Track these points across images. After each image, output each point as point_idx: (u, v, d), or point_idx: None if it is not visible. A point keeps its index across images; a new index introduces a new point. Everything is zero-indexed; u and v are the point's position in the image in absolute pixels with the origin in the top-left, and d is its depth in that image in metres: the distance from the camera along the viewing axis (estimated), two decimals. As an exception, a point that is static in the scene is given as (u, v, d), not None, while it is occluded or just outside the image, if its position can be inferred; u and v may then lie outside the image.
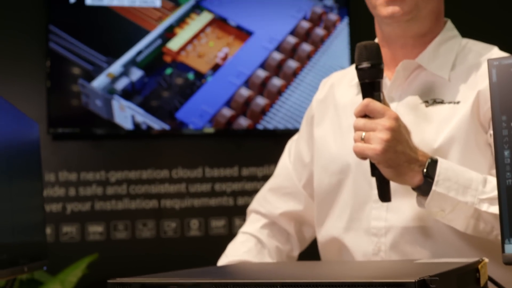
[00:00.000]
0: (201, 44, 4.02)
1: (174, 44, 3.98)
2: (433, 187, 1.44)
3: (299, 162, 1.89)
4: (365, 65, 1.48)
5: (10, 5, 3.82)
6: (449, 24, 1.74)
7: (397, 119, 1.44)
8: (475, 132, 1.58)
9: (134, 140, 3.96)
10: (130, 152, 3.95)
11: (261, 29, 4.09)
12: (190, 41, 4.01)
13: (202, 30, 4.03)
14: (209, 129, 3.98)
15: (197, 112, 3.96)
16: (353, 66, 1.81)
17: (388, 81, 1.69)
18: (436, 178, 1.44)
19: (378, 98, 1.47)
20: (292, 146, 1.94)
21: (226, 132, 4.02)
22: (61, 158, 3.85)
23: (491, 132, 1.55)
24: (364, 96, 1.48)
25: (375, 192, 1.54)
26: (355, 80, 1.67)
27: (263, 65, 4.06)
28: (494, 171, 1.55)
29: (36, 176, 1.70)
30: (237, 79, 4.02)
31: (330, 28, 4.18)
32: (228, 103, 4.00)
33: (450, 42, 1.71)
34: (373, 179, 1.50)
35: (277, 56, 4.09)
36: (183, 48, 3.99)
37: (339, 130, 1.75)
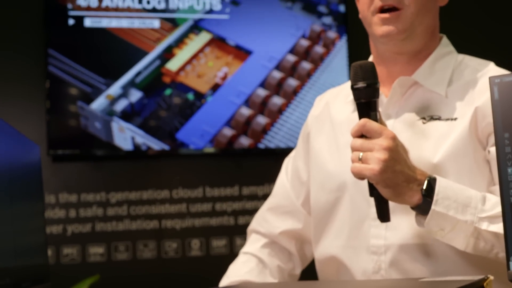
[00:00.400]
0: (200, 64, 4.03)
1: (173, 65, 3.99)
2: (432, 206, 1.44)
3: (296, 180, 1.89)
4: (360, 84, 1.47)
5: (10, 26, 3.83)
6: (445, 40, 1.74)
7: (394, 138, 1.44)
8: (473, 148, 1.57)
9: (134, 161, 3.96)
10: (130, 173, 3.95)
11: (260, 48, 4.10)
12: (189, 61, 4.01)
13: (201, 50, 4.04)
14: (209, 149, 3.98)
15: (198, 133, 3.96)
16: (348, 82, 1.82)
17: (384, 98, 1.68)
18: (435, 197, 1.44)
19: (375, 118, 1.47)
20: (289, 164, 1.94)
21: (226, 152, 4.02)
22: (61, 179, 3.84)
23: (489, 148, 1.55)
24: (360, 116, 1.48)
25: (373, 210, 1.54)
26: (351, 97, 1.67)
27: (263, 84, 4.07)
28: (492, 188, 1.55)
29: (38, 198, 1.69)
30: (237, 99, 4.02)
31: (329, 46, 4.19)
32: (228, 123, 4.00)
33: (446, 58, 1.71)
34: (372, 197, 1.49)
35: (277, 74, 4.10)
36: (182, 68, 4.00)
37: (335, 147, 1.75)
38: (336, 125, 1.78)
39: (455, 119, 1.60)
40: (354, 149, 1.46)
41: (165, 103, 3.94)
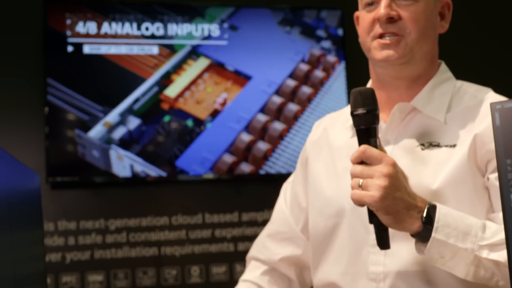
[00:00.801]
0: (199, 90, 4.03)
1: (171, 91, 3.99)
2: (433, 234, 1.43)
3: (295, 206, 1.88)
4: (360, 111, 1.47)
5: (9, 53, 3.83)
6: (443, 66, 1.75)
7: (394, 165, 1.43)
8: (472, 175, 1.57)
9: (133, 188, 3.95)
10: (129, 200, 3.94)
11: (259, 73, 4.10)
12: (187, 88, 4.02)
13: (200, 76, 4.05)
14: (209, 175, 3.97)
15: (198, 160, 3.95)
16: (347, 108, 1.82)
17: (383, 123, 1.69)
18: (435, 225, 1.43)
19: (375, 144, 1.47)
20: (287, 189, 1.94)
21: (225, 178, 4.02)
22: (60, 207, 3.83)
23: (489, 175, 1.55)
24: (360, 142, 1.48)
25: (372, 236, 1.53)
26: (350, 122, 1.68)
27: (263, 109, 4.08)
28: (492, 215, 1.55)
29: (37, 226, 1.69)
30: (237, 125, 4.02)
31: (329, 70, 4.20)
32: (229, 149, 4.00)
33: (444, 84, 1.71)
34: (370, 224, 1.48)
35: (277, 100, 4.10)
36: (180, 94, 4.00)
37: (334, 173, 1.74)
38: (335, 150, 1.78)
39: (454, 145, 1.60)
40: (354, 175, 1.45)
41: (164, 130, 3.94)
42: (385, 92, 1.71)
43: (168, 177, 3.93)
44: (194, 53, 4.06)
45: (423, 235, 1.44)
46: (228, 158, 3.99)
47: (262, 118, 4.07)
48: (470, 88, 1.71)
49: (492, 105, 1.09)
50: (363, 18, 1.69)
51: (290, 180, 1.95)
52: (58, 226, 3.82)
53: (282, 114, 4.10)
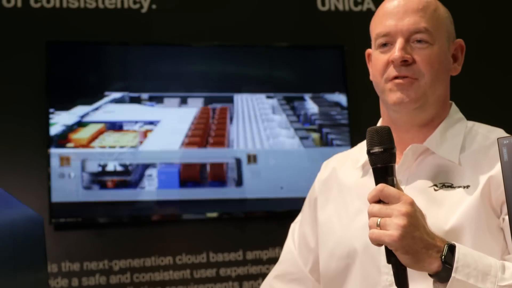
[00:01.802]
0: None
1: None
2: (453, 274, 1.40)
3: (304, 247, 1.87)
4: (377, 149, 1.46)
5: (10, 91, 3.84)
6: (454, 107, 1.75)
7: (412, 204, 1.42)
8: (486, 216, 1.56)
9: (136, 228, 3.93)
10: (133, 240, 3.91)
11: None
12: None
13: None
14: (212, 214, 3.96)
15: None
16: (355, 148, 1.81)
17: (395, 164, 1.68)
18: (455, 265, 1.41)
19: (392, 183, 1.45)
20: (295, 230, 1.92)
21: (229, 216, 4.00)
22: (63, 248, 3.81)
23: (504, 216, 1.54)
24: (376, 181, 1.46)
25: (384, 277, 1.52)
26: (360, 162, 1.68)
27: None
28: (508, 256, 1.53)
29: (41, 268, 1.69)
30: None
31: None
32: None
33: (456, 125, 1.71)
34: (382, 264, 1.47)
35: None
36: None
37: (344, 213, 1.73)
38: (345, 191, 1.77)
39: (468, 186, 1.59)
40: (371, 214, 1.44)
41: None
42: (397, 133, 1.70)
43: (171, 217, 3.92)
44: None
45: (442, 275, 1.42)
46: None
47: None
48: (481, 129, 1.71)
49: (500, 140, 1.08)
50: (377, 58, 1.69)
51: (298, 220, 1.94)
52: (62, 268, 3.79)
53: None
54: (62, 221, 3.77)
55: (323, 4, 4.31)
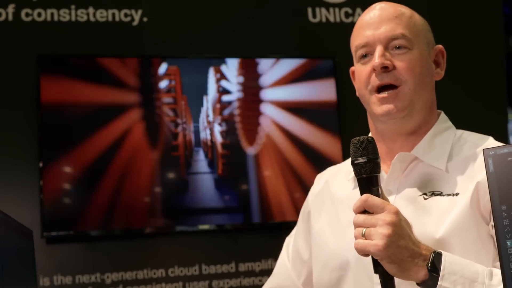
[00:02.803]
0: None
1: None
2: (439, 282, 1.41)
3: (297, 259, 1.87)
4: (361, 160, 1.47)
5: (2, 105, 3.85)
6: (443, 116, 1.76)
7: (397, 213, 1.42)
8: (476, 224, 1.56)
9: (129, 240, 3.92)
10: (125, 253, 3.90)
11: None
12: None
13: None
14: (204, 226, 3.96)
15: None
16: (348, 160, 1.81)
17: (384, 174, 1.68)
18: (441, 273, 1.41)
19: (377, 193, 1.46)
20: (290, 243, 1.93)
21: (221, 228, 4.00)
22: (55, 261, 3.79)
23: (493, 223, 1.54)
24: (362, 192, 1.47)
25: (377, 287, 1.51)
26: (352, 174, 1.67)
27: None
28: (497, 263, 1.53)
29: (31, 282, 1.68)
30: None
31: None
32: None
33: (445, 133, 1.71)
34: (374, 275, 1.47)
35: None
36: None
37: (337, 225, 1.74)
38: (337, 203, 1.77)
39: (457, 194, 1.60)
40: (356, 225, 1.44)
41: (159, 181, 3.94)
42: (385, 144, 1.72)
43: (163, 229, 3.91)
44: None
45: (429, 283, 1.42)
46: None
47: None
48: (470, 137, 1.72)
49: (485, 151, 1.09)
50: (359, 71, 1.70)
51: (292, 233, 1.95)
52: (54, 281, 3.78)
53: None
54: (53, 234, 3.76)
55: (314, 16, 4.33)
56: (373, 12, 1.71)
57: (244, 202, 4.01)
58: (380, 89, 1.65)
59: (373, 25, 1.68)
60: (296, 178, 4.05)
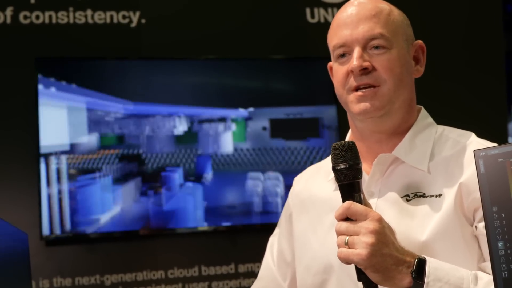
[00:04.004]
0: (192, 142, 4.04)
1: (165, 144, 4.00)
2: None
3: (282, 261, 1.86)
4: (342, 166, 1.44)
5: (2, 108, 3.85)
6: (423, 112, 1.72)
7: (380, 220, 1.40)
8: (460, 225, 1.54)
9: (128, 242, 3.91)
10: (124, 255, 3.90)
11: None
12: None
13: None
14: (204, 227, 3.95)
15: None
16: (326, 160, 1.78)
17: (366, 175, 1.65)
18: (426, 280, 1.39)
19: (359, 199, 1.43)
20: (274, 244, 1.91)
21: (221, 229, 3.99)
22: (55, 263, 3.79)
23: (477, 224, 1.52)
24: (343, 198, 1.45)
25: None
26: (332, 175, 1.62)
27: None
28: (483, 264, 1.52)
29: (26, 285, 1.67)
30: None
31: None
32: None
33: (425, 131, 1.68)
34: (358, 281, 1.45)
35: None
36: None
37: (320, 227, 1.71)
38: (318, 204, 1.74)
39: (440, 195, 1.56)
40: (339, 233, 1.42)
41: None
42: (365, 143, 1.68)
43: (163, 230, 3.91)
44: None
45: None
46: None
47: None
48: (452, 133, 1.68)
49: (476, 152, 1.09)
50: (336, 70, 1.67)
51: (275, 233, 1.93)
52: (54, 283, 3.78)
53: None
54: (53, 236, 3.76)
55: (312, 16, 4.32)
56: (351, 9, 1.65)
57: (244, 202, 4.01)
58: (358, 88, 1.62)
59: (350, 25, 1.63)
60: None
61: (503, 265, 1.03)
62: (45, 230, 3.72)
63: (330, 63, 1.73)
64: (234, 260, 4.01)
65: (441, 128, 1.71)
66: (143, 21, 4.09)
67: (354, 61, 1.60)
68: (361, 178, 1.45)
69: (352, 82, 1.62)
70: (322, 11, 4.34)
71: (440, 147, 1.65)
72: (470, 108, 4.24)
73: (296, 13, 4.32)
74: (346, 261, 1.40)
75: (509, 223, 1.03)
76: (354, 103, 1.62)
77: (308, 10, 4.33)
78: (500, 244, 1.04)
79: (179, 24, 4.13)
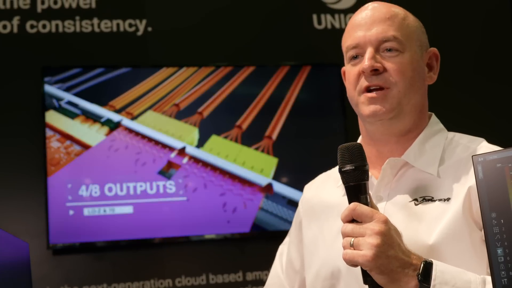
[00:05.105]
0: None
1: (172, 152, 4.00)
2: None
3: (290, 269, 1.86)
4: (348, 167, 1.44)
5: (8, 111, 3.86)
6: (434, 118, 1.72)
7: (386, 222, 1.39)
8: (468, 230, 1.52)
9: (135, 251, 3.91)
10: (132, 263, 3.90)
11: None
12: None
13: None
14: (211, 235, 3.94)
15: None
16: (336, 168, 1.77)
17: (375, 180, 1.65)
18: (432, 283, 1.37)
19: (365, 201, 1.43)
20: (283, 252, 1.91)
21: (228, 237, 3.98)
22: (62, 272, 3.79)
23: (484, 229, 1.51)
24: (350, 200, 1.44)
25: None
26: (341, 181, 1.62)
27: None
28: (491, 270, 1.50)
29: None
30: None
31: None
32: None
33: (436, 136, 1.67)
34: (364, 284, 1.44)
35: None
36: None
37: (328, 233, 1.70)
38: (328, 210, 1.74)
39: (448, 199, 1.55)
40: (345, 234, 1.41)
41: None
42: (376, 147, 1.68)
43: (170, 239, 3.90)
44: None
45: None
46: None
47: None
48: (462, 139, 1.67)
49: (475, 158, 1.07)
50: (349, 72, 1.67)
51: (285, 241, 1.93)
52: (61, 293, 3.78)
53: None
54: (60, 245, 3.76)
55: (319, 22, 4.31)
56: (365, 12, 1.66)
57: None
58: (368, 89, 1.62)
59: (364, 26, 1.64)
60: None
61: (503, 272, 1.02)
62: (52, 239, 3.72)
63: (343, 68, 1.74)
64: (242, 268, 4.00)
65: (452, 134, 1.70)
66: (149, 29, 4.09)
67: (366, 61, 1.60)
68: (367, 180, 1.45)
69: (363, 82, 1.62)
70: (329, 17, 4.33)
71: (450, 152, 1.64)
72: (482, 116, 4.21)
73: (303, 19, 4.31)
74: (351, 262, 1.39)
75: (508, 229, 1.01)
76: (364, 105, 1.62)
77: (315, 17, 4.33)
78: (499, 251, 1.02)
79: (184, 33, 4.13)
